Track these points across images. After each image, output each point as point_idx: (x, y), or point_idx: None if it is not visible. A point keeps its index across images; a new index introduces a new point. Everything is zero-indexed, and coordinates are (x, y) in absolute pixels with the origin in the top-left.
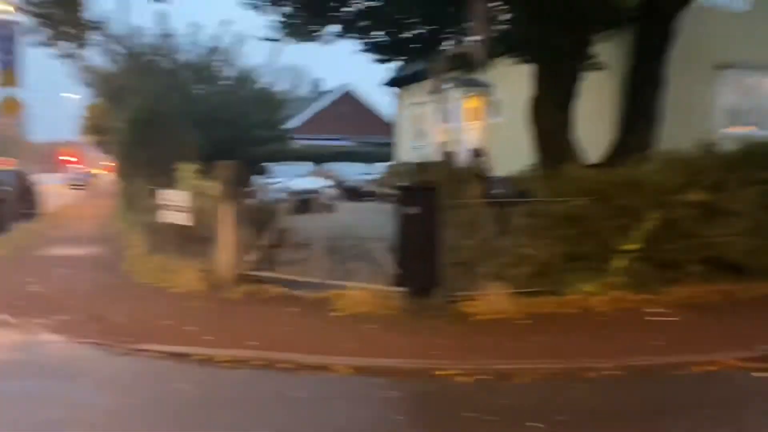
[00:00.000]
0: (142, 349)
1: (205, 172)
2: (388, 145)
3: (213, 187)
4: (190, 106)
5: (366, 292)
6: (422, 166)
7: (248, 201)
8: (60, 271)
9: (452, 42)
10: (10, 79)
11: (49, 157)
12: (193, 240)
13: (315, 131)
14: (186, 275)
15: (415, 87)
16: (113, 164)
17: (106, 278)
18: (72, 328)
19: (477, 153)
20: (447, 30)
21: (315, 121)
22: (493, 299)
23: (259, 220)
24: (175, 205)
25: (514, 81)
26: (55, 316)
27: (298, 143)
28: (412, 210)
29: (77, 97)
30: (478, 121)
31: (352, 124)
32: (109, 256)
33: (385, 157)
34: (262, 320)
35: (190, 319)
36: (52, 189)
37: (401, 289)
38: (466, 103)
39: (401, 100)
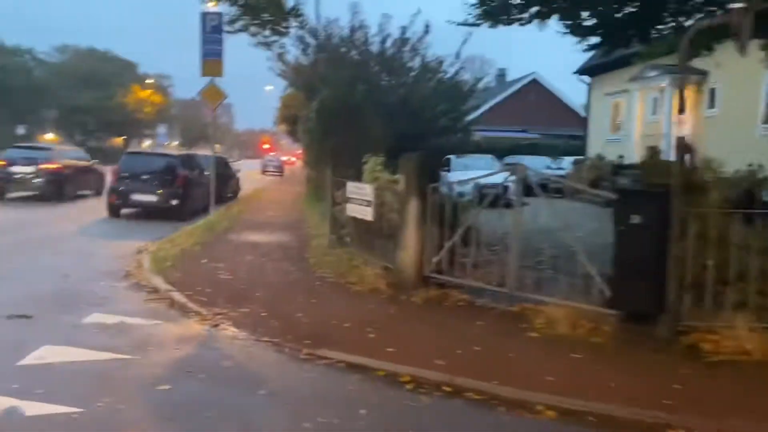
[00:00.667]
0: (322, 356)
1: (391, 165)
2: (577, 137)
3: (398, 181)
4: (377, 97)
5: (568, 310)
6: (648, 164)
7: (435, 196)
8: (248, 258)
9: (671, 22)
10: (217, 70)
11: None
12: (377, 236)
13: (497, 122)
14: (368, 273)
15: (611, 75)
16: (302, 153)
17: (290, 269)
18: (253, 323)
19: (686, 149)
20: (670, 5)
21: (497, 112)
22: (734, 334)
23: (444, 217)
24: (359, 198)
25: (732, 69)
26: (238, 308)
27: (479, 135)
28: (636, 218)
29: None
30: (689, 113)
31: (538, 115)
32: (295, 245)
33: (574, 151)
34: (448, 333)
35: (371, 324)
36: (248, 174)
37: (614, 311)
38: (676, 93)
39: (594, 90)
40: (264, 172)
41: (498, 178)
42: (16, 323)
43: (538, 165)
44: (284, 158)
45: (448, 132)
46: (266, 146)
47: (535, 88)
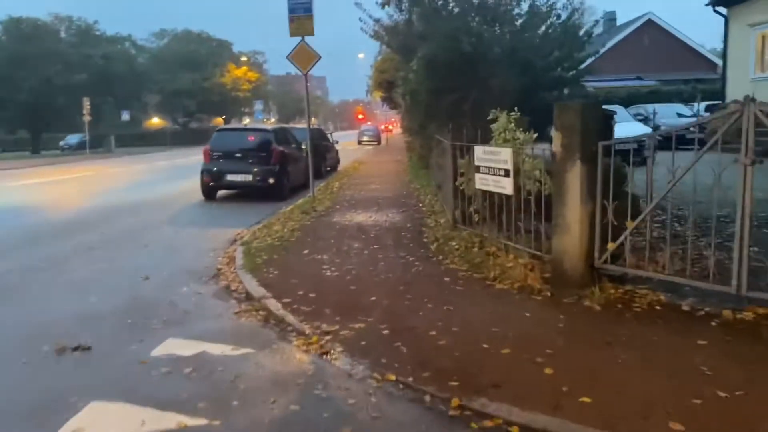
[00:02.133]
0: (482, 413)
1: (524, 123)
2: (704, 80)
3: (552, 141)
4: (482, 50)
5: None
6: None
7: (607, 160)
8: (356, 246)
9: None
10: (307, 27)
11: (344, 115)
12: (517, 214)
13: (609, 70)
14: (511, 264)
15: (758, 2)
16: (402, 119)
17: (409, 260)
18: (373, 347)
19: None
20: None
21: (609, 59)
22: None
23: (607, 186)
24: (492, 166)
25: None
26: (351, 323)
27: (590, 86)
28: None
29: (363, 56)
30: None
31: (656, 59)
32: (409, 227)
33: (703, 96)
34: (662, 363)
35: (539, 347)
36: (345, 145)
37: None
38: None
39: (734, 22)
40: (360, 142)
41: (635, 130)
42: (66, 361)
43: (668, 113)
44: (383, 127)
45: (561, 84)
46: (361, 116)
47: (650, 29)
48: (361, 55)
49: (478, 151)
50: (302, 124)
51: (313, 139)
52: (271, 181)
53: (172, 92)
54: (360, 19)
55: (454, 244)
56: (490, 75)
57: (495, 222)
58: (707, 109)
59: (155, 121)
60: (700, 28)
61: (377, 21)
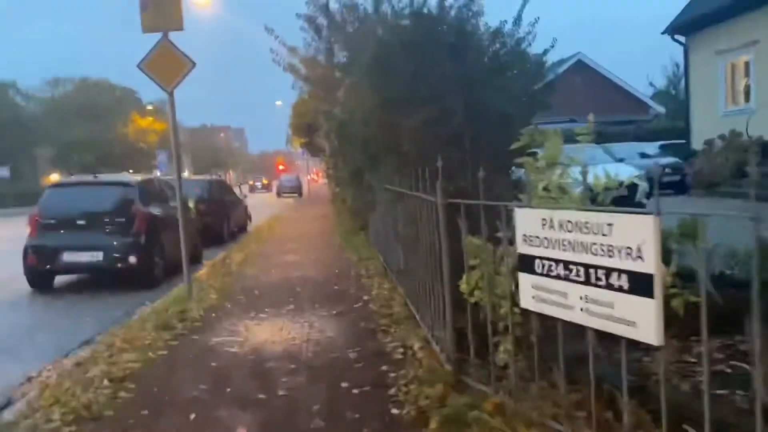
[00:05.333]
0: None
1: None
2: (636, 122)
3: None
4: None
5: None
6: None
7: None
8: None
9: None
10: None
11: (265, 167)
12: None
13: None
14: None
15: (725, 27)
16: (327, 166)
17: None
18: None
19: None
20: None
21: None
22: None
23: None
24: (568, 260)
25: None
26: None
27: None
28: None
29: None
30: None
31: (587, 101)
32: (353, 362)
33: (646, 136)
34: None
35: None
36: (265, 198)
37: None
38: None
39: (695, 51)
40: (280, 194)
41: (625, 172)
42: None
43: (630, 153)
44: (304, 177)
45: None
46: (281, 167)
47: (581, 70)
48: (278, 103)
49: (529, 218)
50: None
51: (214, 193)
52: (133, 260)
53: (67, 144)
54: (271, 49)
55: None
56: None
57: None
58: (661, 148)
59: (52, 178)
60: (626, 68)
61: (292, 50)
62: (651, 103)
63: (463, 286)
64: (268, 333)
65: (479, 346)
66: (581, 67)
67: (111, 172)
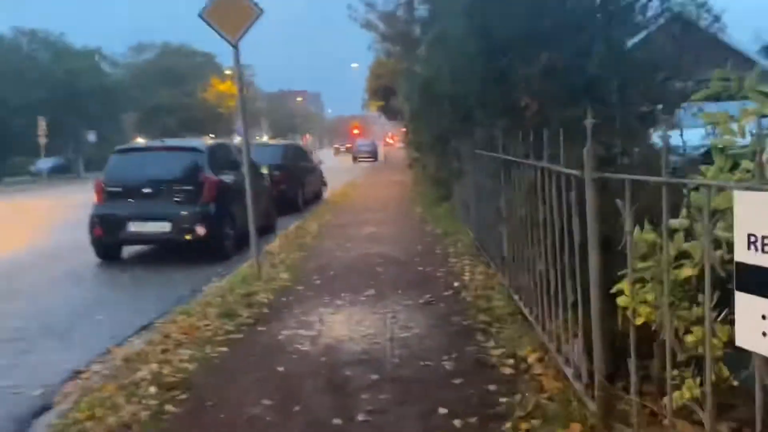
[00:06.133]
0: None
1: None
2: None
3: None
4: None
5: None
6: None
7: None
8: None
9: None
10: None
11: (340, 131)
12: None
13: None
14: None
15: None
16: (406, 130)
17: None
18: None
19: None
20: None
21: None
22: None
23: None
24: None
25: None
26: None
27: None
28: None
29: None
30: None
31: (687, 56)
32: (453, 377)
33: None
34: None
35: None
36: (341, 161)
37: None
38: None
39: None
40: (356, 158)
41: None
42: None
43: None
44: (381, 142)
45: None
46: (356, 131)
47: (678, 24)
48: (355, 65)
49: (762, 208)
50: (289, 141)
51: (287, 160)
52: (201, 231)
53: (151, 109)
54: (348, 5)
55: None
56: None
57: None
58: None
59: (140, 141)
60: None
61: (369, 5)
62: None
63: (624, 300)
64: (345, 326)
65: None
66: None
67: (193, 136)
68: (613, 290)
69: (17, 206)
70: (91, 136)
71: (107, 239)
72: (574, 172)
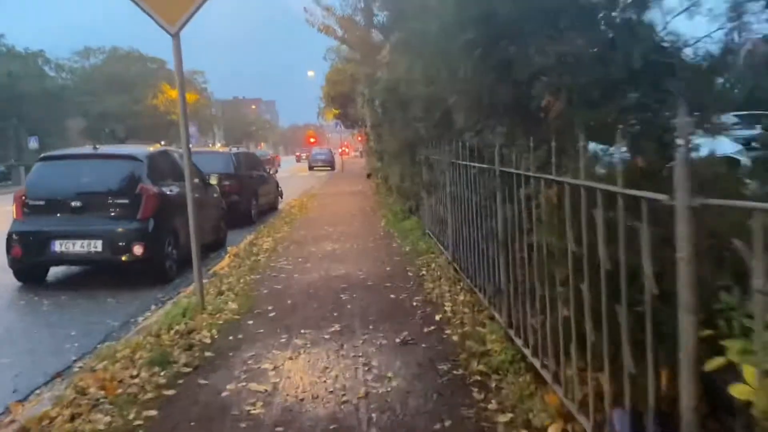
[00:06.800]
0: None
1: None
2: None
3: None
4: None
5: None
6: None
7: None
8: None
9: None
10: None
11: (295, 140)
12: None
13: None
14: None
15: None
16: (369, 137)
17: None
18: None
19: None
20: None
21: None
22: None
23: None
24: None
25: None
26: None
27: None
28: None
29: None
30: None
31: None
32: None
33: None
34: None
35: None
36: (295, 170)
37: None
38: None
39: None
40: (312, 167)
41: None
42: None
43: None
44: (336, 150)
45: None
46: (312, 140)
47: None
48: (311, 73)
49: None
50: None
51: (239, 169)
52: (139, 250)
53: (98, 116)
54: (305, 8)
55: None
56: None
57: None
58: None
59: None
60: None
61: (328, 9)
62: None
63: (743, 392)
64: (307, 377)
65: None
66: None
67: (141, 143)
68: (709, 367)
69: None
70: (33, 143)
71: (28, 260)
72: (654, 195)
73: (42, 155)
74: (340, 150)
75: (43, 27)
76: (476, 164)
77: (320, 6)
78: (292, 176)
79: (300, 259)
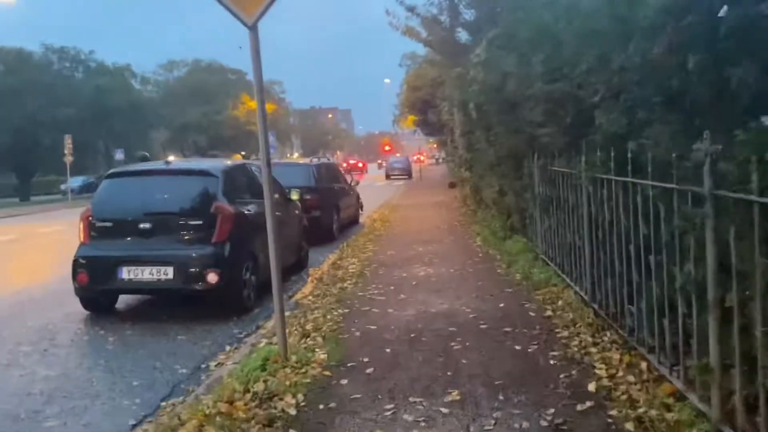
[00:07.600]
0: None
1: None
2: None
3: None
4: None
5: None
6: None
7: None
8: None
9: None
10: None
11: (370, 148)
12: None
13: None
14: None
15: None
16: (454, 144)
17: None
18: None
19: None
20: None
21: None
22: None
23: None
24: None
25: None
26: None
27: None
28: None
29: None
30: None
31: None
32: None
33: None
34: None
35: None
36: (373, 179)
37: None
38: None
39: None
40: (389, 176)
41: None
42: None
43: None
44: (414, 158)
45: None
46: (387, 148)
47: None
48: (387, 80)
49: None
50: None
51: (321, 182)
52: (213, 278)
53: (180, 127)
54: (387, 11)
55: None
56: None
57: None
58: None
59: (171, 159)
60: None
61: (411, 10)
62: None
63: None
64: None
65: None
66: None
67: (222, 154)
68: None
69: (31, 229)
70: (119, 154)
71: (94, 288)
72: None
73: (109, 171)
74: (414, 158)
75: (127, 43)
76: (649, 182)
77: (404, 6)
78: (369, 185)
79: (392, 288)
